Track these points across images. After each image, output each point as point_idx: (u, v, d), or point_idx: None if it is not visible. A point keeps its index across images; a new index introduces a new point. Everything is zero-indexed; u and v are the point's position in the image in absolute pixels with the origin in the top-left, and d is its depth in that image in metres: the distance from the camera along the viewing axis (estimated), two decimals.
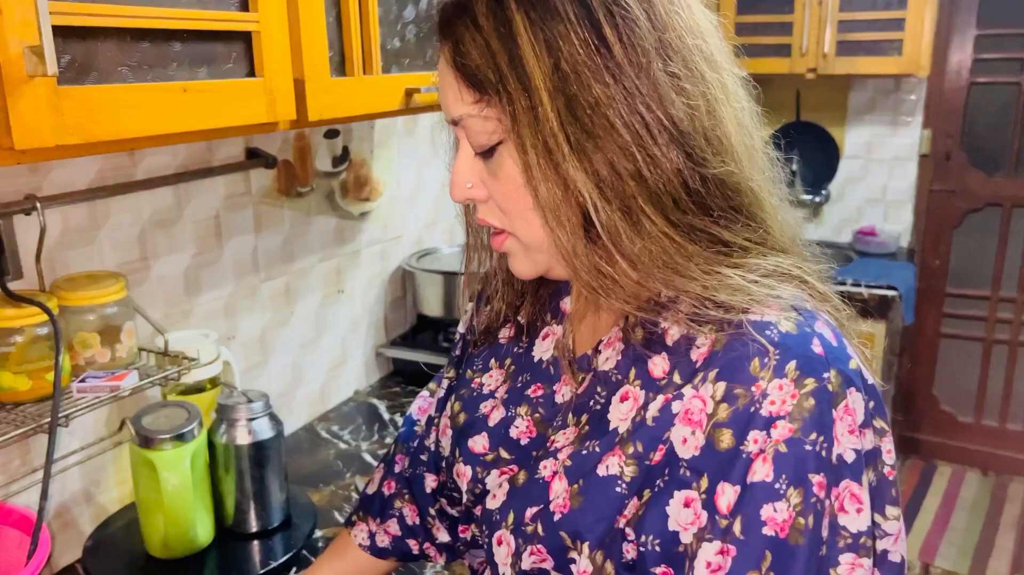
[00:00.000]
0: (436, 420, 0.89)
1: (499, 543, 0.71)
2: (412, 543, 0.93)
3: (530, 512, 0.69)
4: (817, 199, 3.17)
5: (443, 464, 0.84)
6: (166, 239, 1.30)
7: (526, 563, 0.68)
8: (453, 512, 0.90)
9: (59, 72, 0.72)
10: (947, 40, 3.06)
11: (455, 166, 0.68)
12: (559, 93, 0.60)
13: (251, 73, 0.97)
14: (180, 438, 1.10)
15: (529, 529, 0.68)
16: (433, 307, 1.85)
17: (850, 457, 0.60)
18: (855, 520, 0.60)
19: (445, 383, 0.91)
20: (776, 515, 0.58)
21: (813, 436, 0.58)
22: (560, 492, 0.67)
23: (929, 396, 3.40)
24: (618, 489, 0.64)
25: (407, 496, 0.93)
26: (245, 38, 0.95)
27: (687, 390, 0.63)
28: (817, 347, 0.60)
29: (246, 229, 1.46)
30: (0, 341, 0.97)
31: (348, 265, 1.74)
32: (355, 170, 1.72)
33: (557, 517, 0.66)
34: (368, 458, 1.51)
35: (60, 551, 1.19)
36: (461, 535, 0.89)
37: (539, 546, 0.67)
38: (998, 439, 3.31)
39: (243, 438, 1.18)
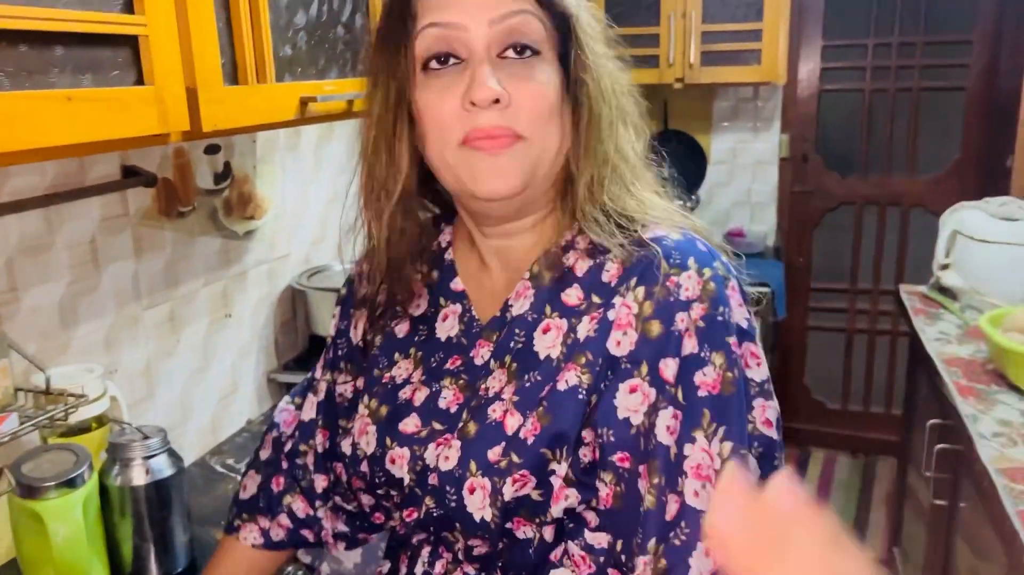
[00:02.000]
0: (317, 420, 0.94)
1: (471, 491, 0.74)
2: (307, 533, 0.97)
3: (493, 452, 0.74)
4: (689, 203, 3.29)
5: (361, 465, 0.84)
6: (37, 267, 1.19)
7: (508, 493, 0.73)
8: (350, 507, 0.93)
9: None
10: (798, 50, 3.26)
11: (481, 68, 0.72)
12: (586, 34, 0.76)
13: (140, 81, 0.89)
14: (69, 484, 1.00)
15: (502, 464, 0.74)
16: (326, 327, 1.77)
17: (744, 324, 0.74)
18: (758, 372, 0.74)
19: (323, 386, 0.95)
20: (706, 378, 0.71)
21: (720, 309, 0.72)
22: (516, 423, 0.74)
23: (801, 386, 3.59)
24: (580, 396, 0.73)
25: (297, 490, 0.95)
26: (132, 43, 0.88)
27: (616, 300, 0.75)
28: (702, 246, 0.77)
29: (125, 253, 1.35)
30: None
31: (235, 287, 1.65)
32: (238, 187, 1.63)
33: (531, 441, 0.73)
34: None
35: None
36: (373, 522, 0.92)
37: (521, 472, 0.73)
38: (864, 422, 3.53)
39: (140, 478, 1.08)
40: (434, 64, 0.74)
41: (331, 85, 1.24)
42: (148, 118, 0.89)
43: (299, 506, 0.96)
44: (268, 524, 0.97)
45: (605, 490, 0.73)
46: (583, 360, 0.74)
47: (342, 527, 0.96)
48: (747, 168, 3.26)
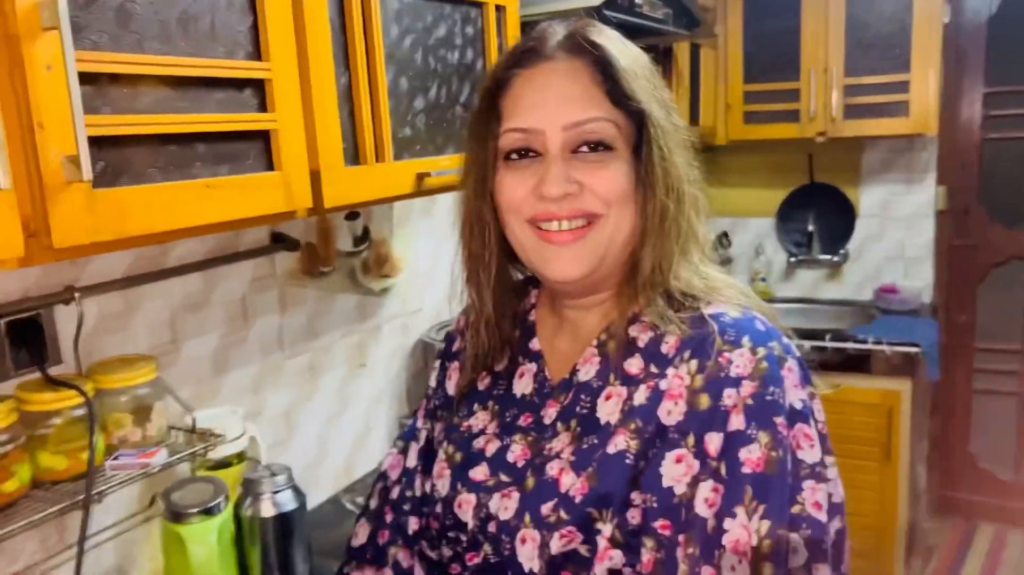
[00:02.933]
0: (418, 467, 1.00)
1: (523, 542, 0.81)
2: None
3: (546, 507, 0.80)
4: (835, 259, 3.20)
5: (436, 507, 0.91)
6: (195, 321, 1.38)
7: (555, 547, 0.78)
8: (431, 554, 0.97)
9: (93, 178, 0.80)
10: (956, 99, 3.11)
11: (553, 168, 0.81)
12: (661, 122, 0.83)
13: (269, 167, 1.05)
14: (207, 512, 1.15)
15: (552, 519, 0.79)
16: None
17: (798, 405, 0.76)
18: (809, 454, 0.75)
19: (423, 434, 1.02)
20: (751, 455, 0.73)
21: (771, 389, 0.75)
22: (570, 483, 0.79)
23: (966, 454, 3.35)
24: (627, 461, 0.78)
25: (400, 542, 1.00)
26: (264, 136, 1.04)
27: (669, 371, 0.79)
28: (760, 326, 0.79)
29: (271, 309, 1.53)
30: (39, 423, 1.03)
31: (370, 340, 1.80)
32: (376, 248, 1.80)
33: (579, 499, 0.78)
34: None
35: None
36: (449, 572, 0.96)
37: (567, 528, 0.78)
38: None
39: (267, 510, 1.23)
40: (514, 156, 0.85)
41: (448, 160, 1.36)
42: (275, 198, 1.04)
43: (403, 556, 1.00)
44: (373, 574, 1.01)
45: (646, 555, 0.76)
46: (633, 426, 0.79)
47: None
48: (900, 221, 3.13)
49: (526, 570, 0.80)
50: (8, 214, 0.75)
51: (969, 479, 3.34)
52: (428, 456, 1.01)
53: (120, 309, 1.25)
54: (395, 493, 1.03)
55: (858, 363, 2.74)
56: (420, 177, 1.30)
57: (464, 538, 0.88)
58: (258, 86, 1.02)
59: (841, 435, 2.76)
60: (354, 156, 1.20)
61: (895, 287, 3.07)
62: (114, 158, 0.86)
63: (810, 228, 3.20)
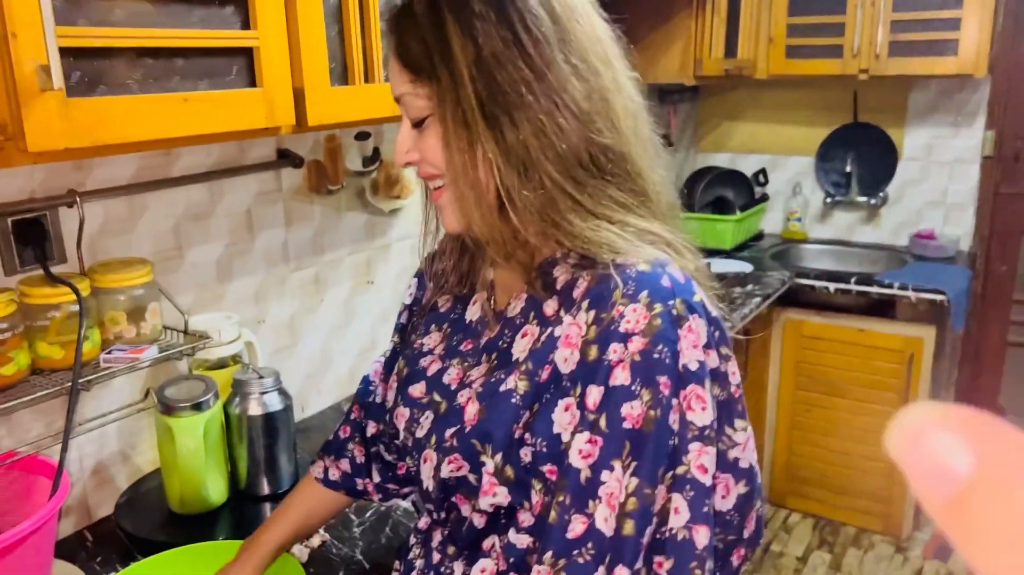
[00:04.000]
0: (384, 378, 1.06)
1: (425, 461, 0.85)
2: (358, 481, 1.09)
3: (449, 432, 0.83)
4: (873, 201, 3.13)
5: (385, 414, 0.97)
6: (200, 231, 1.45)
7: (445, 472, 0.82)
8: (389, 458, 1.05)
9: (69, 86, 0.85)
10: (1011, 39, 2.97)
11: (399, 136, 0.82)
12: (480, 77, 0.75)
13: (251, 83, 1.09)
14: (196, 407, 1.24)
15: (447, 444, 0.82)
16: None
17: (694, 366, 0.74)
18: (700, 416, 0.74)
19: (390, 347, 1.07)
20: (632, 411, 0.73)
21: (660, 347, 0.73)
22: (472, 413, 0.82)
23: (995, 406, 3.30)
24: (513, 401, 0.78)
25: (358, 439, 1.08)
26: (247, 53, 1.08)
27: (566, 318, 0.78)
28: (666, 281, 0.76)
29: (277, 223, 1.60)
30: (39, 315, 1.12)
31: (378, 258, 1.87)
32: (386, 169, 1.84)
33: (467, 429, 0.81)
34: None
35: (97, 504, 1.35)
36: (398, 473, 1.05)
37: (455, 454, 0.81)
38: None
39: (255, 410, 1.32)
40: None
41: None
42: (256, 114, 1.09)
43: (357, 453, 1.09)
44: (329, 464, 1.10)
45: (536, 497, 0.77)
46: (524, 368, 0.79)
47: (377, 478, 1.07)
48: (944, 166, 3.04)
49: (424, 486, 0.86)
50: None
51: None
52: (390, 367, 1.08)
53: (124, 214, 1.33)
54: (369, 398, 1.10)
55: (882, 308, 2.71)
56: None
57: (397, 443, 0.95)
58: (240, 4, 1.06)
59: (861, 379, 2.78)
60: (342, 76, 1.23)
61: (933, 233, 3.00)
62: (90, 69, 0.91)
63: (848, 169, 3.13)
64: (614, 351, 0.74)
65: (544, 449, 0.76)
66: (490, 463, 0.78)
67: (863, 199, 3.14)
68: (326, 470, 1.11)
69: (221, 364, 1.40)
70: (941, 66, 2.63)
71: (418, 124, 0.80)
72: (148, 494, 1.36)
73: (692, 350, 0.74)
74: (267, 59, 1.09)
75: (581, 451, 0.73)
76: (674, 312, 0.74)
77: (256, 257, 1.57)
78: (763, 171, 3.28)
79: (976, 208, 3.04)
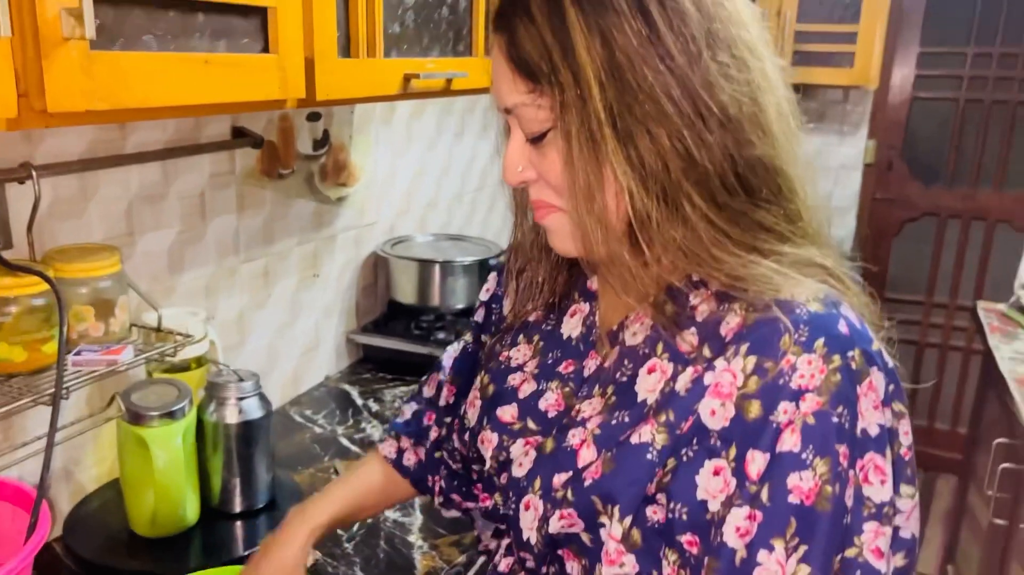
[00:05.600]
0: (452, 379, 0.95)
1: (526, 508, 0.73)
2: (430, 477, 0.97)
3: (559, 478, 0.71)
4: None
5: (465, 434, 0.86)
6: (153, 215, 1.28)
7: (554, 527, 0.70)
8: (454, 466, 0.94)
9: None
10: (892, 56, 3.20)
11: (508, 152, 0.70)
12: (611, 83, 0.62)
13: (265, 49, 0.96)
14: (171, 415, 1.09)
15: (559, 494, 0.70)
16: (406, 294, 1.86)
17: (874, 431, 0.63)
18: (879, 491, 0.63)
19: (461, 345, 0.96)
20: (802, 484, 0.61)
21: (840, 409, 0.61)
22: (589, 459, 0.69)
23: None
24: (649, 456, 0.66)
25: (433, 435, 0.97)
26: (261, 13, 0.95)
27: (719, 363, 0.65)
28: (843, 327, 0.63)
29: (229, 209, 1.44)
30: None
31: (324, 249, 1.73)
32: (334, 154, 1.71)
33: (588, 482, 0.68)
34: (345, 442, 1.51)
35: None
36: (464, 488, 0.94)
37: (569, 510, 0.69)
38: (928, 438, 3.47)
39: (232, 417, 1.17)
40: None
41: (432, 63, 1.30)
42: (270, 84, 0.96)
43: (432, 447, 0.97)
44: (407, 446, 0.98)
45: (667, 569, 0.66)
46: (663, 418, 0.67)
47: (442, 483, 0.96)
48: (831, 171, 3.23)
49: (523, 538, 0.74)
50: (3, 67, 0.66)
51: None
52: (461, 367, 0.96)
53: (74, 194, 1.15)
54: (446, 391, 0.97)
55: None
56: (407, 78, 1.23)
57: (478, 469, 0.85)
58: None
59: None
60: (346, 48, 1.12)
61: None
62: (109, 18, 0.76)
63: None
64: (784, 411, 0.62)
65: (684, 516, 0.64)
66: (616, 527, 0.67)
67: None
68: (401, 452, 0.99)
69: (182, 367, 1.24)
70: (840, 76, 2.79)
71: (537, 139, 0.68)
72: (98, 515, 1.19)
73: (872, 411, 0.63)
74: (283, 20, 0.97)
75: (739, 528, 0.62)
76: (853, 366, 0.62)
77: (208, 246, 1.41)
78: None
79: (857, 212, 3.25)
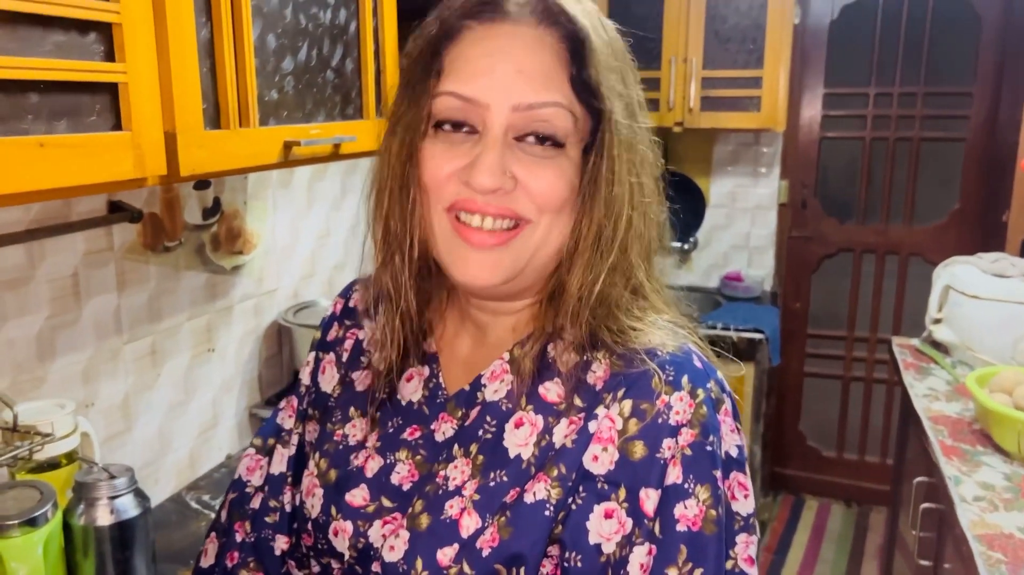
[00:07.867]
0: (287, 476, 0.85)
1: None
2: None
3: (444, 554, 0.68)
4: (686, 246, 3.29)
5: (307, 525, 0.79)
6: (15, 300, 1.19)
7: None
8: None
9: None
10: (799, 97, 3.27)
11: (489, 154, 0.68)
12: (627, 125, 0.69)
13: (117, 126, 0.90)
14: (31, 523, 0.99)
15: (452, 571, 0.68)
16: None
17: (734, 452, 0.69)
18: (744, 505, 0.69)
19: (295, 438, 0.87)
20: (687, 511, 0.65)
21: (710, 438, 0.67)
22: (473, 527, 0.68)
23: (796, 433, 3.56)
24: (546, 513, 0.67)
25: (252, 565, 0.86)
26: (111, 89, 0.89)
27: (600, 410, 0.69)
28: (697, 363, 0.70)
29: (108, 287, 1.36)
30: None
31: (220, 322, 1.65)
32: (227, 222, 1.64)
33: (487, 551, 0.67)
34: None
35: None
36: None
37: None
38: (858, 471, 3.49)
39: (104, 518, 1.08)
40: (447, 126, 0.70)
41: (317, 128, 1.25)
42: (123, 163, 0.90)
43: None
44: None
45: None
46: (555, 472, 0.68)
47: None
48: (747, 212, 3.27)
49: None
50: None
51: (798, 456, 3.56)
52: (300, 463, 0.88)
53: None
54: (256, 502, 0.88)
55: None
56: (288, 146, 1.18)
57: (339, 566, 0.77)
58: (105, 31, 0.87)
59: None
60: (215, 119, 1.06)
61: (740, 275, 3.20)
62: None
63: (664, 215, 3.27)
64: (668, 447, 0.66)
65: (579, 563, 0.65)
66: None
67: (677, 244, 3.30)
68: None
69: (52, 464, 1.14)
70: (747, 120, 2.83)
71: (542, 142, 0.69)
72: None
73: (730, 435, 0.69)
74: (135, 95, 0.91)
75: (642, 565, 0.64)
76: (713, 396, 0.68)
77: (84, 329, 1.32)
78: None
79: (775, 251, 3.29)
